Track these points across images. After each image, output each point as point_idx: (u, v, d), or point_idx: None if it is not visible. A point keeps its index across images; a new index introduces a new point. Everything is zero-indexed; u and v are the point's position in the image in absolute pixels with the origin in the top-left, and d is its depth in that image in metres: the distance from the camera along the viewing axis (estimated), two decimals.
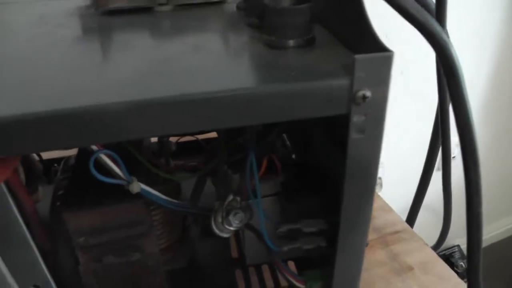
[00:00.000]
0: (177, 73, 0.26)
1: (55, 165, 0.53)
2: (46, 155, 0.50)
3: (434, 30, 0.25)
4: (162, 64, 0.27)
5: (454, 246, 1.74)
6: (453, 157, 1.59)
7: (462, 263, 1.72)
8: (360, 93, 0.23)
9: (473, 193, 0.33)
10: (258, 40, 0.30)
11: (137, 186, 0.33)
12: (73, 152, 0.46)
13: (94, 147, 0.31)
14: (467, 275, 0.39)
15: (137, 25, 0.37)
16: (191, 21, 0.37)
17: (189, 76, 0.25)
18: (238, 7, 0.39)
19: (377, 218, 0.62)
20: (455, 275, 0.56)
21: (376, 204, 0.64)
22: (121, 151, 0.33)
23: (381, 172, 1.32)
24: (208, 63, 0.27)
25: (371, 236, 0.59)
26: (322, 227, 0.32)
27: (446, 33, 0.48)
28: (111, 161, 0.32)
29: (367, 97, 0.24)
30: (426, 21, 0.25)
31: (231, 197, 0.33)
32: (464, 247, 1.77)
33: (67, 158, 0.50)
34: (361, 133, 0.25)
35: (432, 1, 0.44)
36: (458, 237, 1.78)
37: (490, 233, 1.88)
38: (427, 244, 0.60)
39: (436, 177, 1.59)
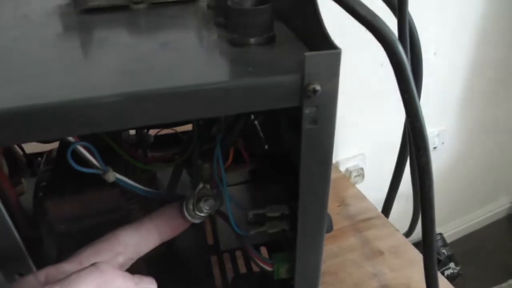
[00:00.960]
0: (148, 69, 0.28)
1: (39, 158, 0.55)
2: (29, 149, 0.52)
3: (381, 28, 0.28)
4: (136, 61, 0.29)
5: (437, 234, 1.78)
6: (434, 147, 1.62)
7: (444, 250, 1.76)
8: (311, 87, 0.26)
9: (425, 178, 0.36)
10: (223, 39, 0.32)
11: (113, 176, 0.35)
12: (55, 146, 0.48)
13: (71, 139, 0.33)
14: (423, 253, 0.42)
15: (114, 23, 0.39)
16: (164, 20, 0.39)
17: (158, 73, 0.27)
18: (208, 6, 0.41)
19: (351, 206, 0.64)
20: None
21: (350, 193, 0.67)
22: (101, 143, 0.36)
23: (363, 163, 1.35)
24: (176, 60, 0.29)
25: (344, 223, 0.62)
26: (285, 212, 0.35)
27: (410, 22, 0.50)
28: (87, 152, 0.34)
29: (317, 90, 0.26)
30: (374, 19, 0.28)
31: (201, 185, 0.36)
32: (446, 235, 1.82)
33: (49, 152, 0.52)
34: (314, 124, 0.27)
35: None
36: (439, 225, 1.82)
37: (470, 221, 1.93)
38: (398, 230, 0.63)
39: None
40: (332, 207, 0.62)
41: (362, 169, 1.38)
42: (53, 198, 0.37)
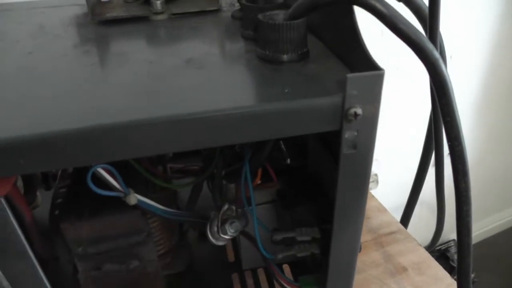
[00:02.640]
0: (172, 91, 0.26)
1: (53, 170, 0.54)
2: None
3: (425, 46, 0.26)
4: (158, 82, 0.28)
5: (450, 241, 1.76)
6: (448, 154, 1.60)
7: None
8: (352, 110, 0.24)
9: (463, 203, 0.34)
10: (253, 54, 0.30)
11: (134, 198, 0.33)
12: None
13: None
14: (457, 280, 0.40)
15: (133, 37, 0.37)
16: (186, 32, 0.38)
17: (183, 95, 0.26)
18: (233, 16, 0.40)
19: (372, 219, 0.63)
20: (448, 275, 0.57)
21: (371, 205, 0.65)
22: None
23: (377, 169, 1.33)
24: (202, 80, 0.28)
25: (366, 237, 0.60)
26: (316, 236, 0.33)
27: (440, 38, 0.48)
28: (108, 174, 0.32)
29: (359, 114, 0.24)
30: (417, 37, 0.26)
31: (226, 206, 0.34)
32: None
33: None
34: (353, 149, 0.26)
35: (425, 6, 0.44)
36: (454, 231, 1.79)
37: (485, 227, 1.90)
38: (420, 245, 0.61)
39: (432, 172, 1.60)
40: None
41: (376, 175, 1.36)
42: (70, 219, 0.35)
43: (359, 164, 0.26)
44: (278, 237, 0.34)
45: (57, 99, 0.26)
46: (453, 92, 0.28)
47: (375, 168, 1.33)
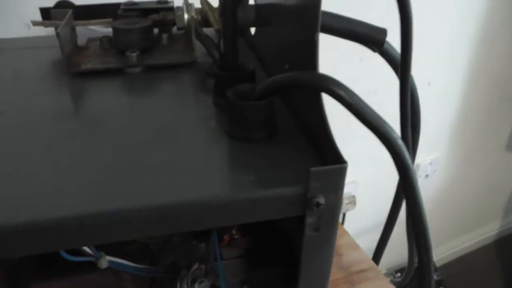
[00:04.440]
0: (137, 177, 0.27)
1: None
2: None
3: (389, 135, 0.27)
4: (125, 161, 0.28)
5: None
6: (426, 175, 1.62)
7: (434, 275, 1.75)
8: (314, 200, 0.25)
9: (426, 273, 0.35)
10: (222, 128, 0.31)
11: (105, 262, 0.33)
12: None
13: None
14: None
15: (107, 95, 0.38)
16: (158, 91, 0.38)
17: (150, 178, 0.26)
18: (207, 74, 0.40)
19: (344, 256, 0.64)
20: None
21: (344, 241, 0.66)
22: None
23: (354, 190, 1.35)
24: (170, 161, 0.28)
25: (337, 275, 0.61)
26: None
27: (413, 83, 0.50)
28: None
29: (321, 204, 0.25)
30: (381, 126, 0.27)
31: (196, 265, 0.35)
32: (435, 259, 1.82)
33: None
34: (315, 231, 0.27)
35: (397, 52, 0.46)
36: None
37: (462, 244, 1.93)
38: (392, 283, 0.62)
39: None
40: None
41: (353, 196, 1.38)
42: (39, 282, 0.35)
43: (322, 245, 0.27)
44: None
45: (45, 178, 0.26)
46: (415, 175, 0.29)
47: (352, 189, 1.35)
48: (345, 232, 0.68)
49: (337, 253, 0.64)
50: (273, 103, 0.29)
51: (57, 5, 0.48)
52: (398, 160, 0.27)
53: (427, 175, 1.50)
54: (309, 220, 0.26)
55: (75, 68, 0.41)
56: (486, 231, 1.98)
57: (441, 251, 1.88)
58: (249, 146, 0.29)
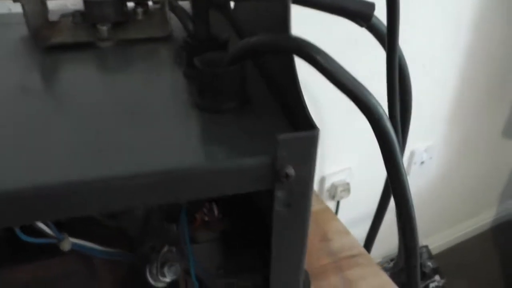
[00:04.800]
0: (108, 145, 0.25)
1: None
2: None
3: (370, 103, 0.25)
4: (95, 136, 0.26)
5: (422, 247, 1.78)
6: (422, 162, 1.61)
7: (429, 263, 1.76)
8: (283, 171, 0.23)
9: (411, 257, 0.33)
10: (192, 100, 0.29)
11: (68, 243, 0.32)
12: None
13: None
14: None
15: (77, 70, 0.35)
16: (130, 66, 0.36)
17: (118, 153, 0.24)
18: (182, 47, 0.38)
19: (334, 241, 0.62)
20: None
21: (333, 227, 0.64)
22: None
23: (349, 177, 1.33)
24: (139, 134, 0.26)
25: (326, 260, 0.59)
26: (257, 283, 0.32)
27: (401, 55, 0.48)
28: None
29: (290, 175, 0.23)
30: (360, 92, 0.25)
31: (166, 248, 0.33)
32: (432, 247, 1.81)
33: None
34: (286, 207, 0.25)
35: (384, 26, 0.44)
36: (425, 238, 1.82)
37: (455, 233, 1.92)
38: (382, 269, 0.61)
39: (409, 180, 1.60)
40: (313, 242, 0.60)
41: (348, 183, 1.36)
42: (6, 264, 0.33)
43: (294, 222, 0.25)
44: (220, 281, 0.32)
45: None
46: (397, 146, 0.27)
47: (347, 176, 1.34)
48: (335, 217, 0.66)
49: (325, 239, 0.62)
50: (244, 70, 0.27)
51: None
52: (378, 128, 0.25)
53: (422, 162, 1.49)
54: (279, 194, 0.24)
55: (43, 42, 0.39)
56: (483, 219, 1.98)
57: (438, 239, 1.87)
58: (219, 117, 0.27)
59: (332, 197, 1.34)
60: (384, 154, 0.27)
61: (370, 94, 0.25)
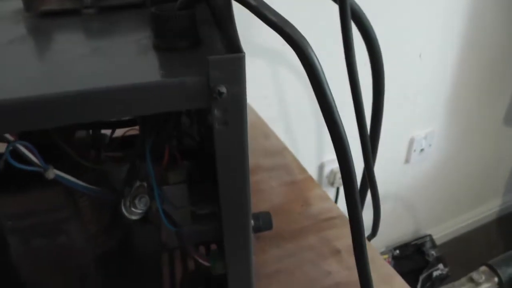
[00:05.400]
0: (72, 73, 0.29)
1: None
2: None
3: (293, 34, 0.29)
4: (65, 65, 0.31)
5: (426, 236, 1.79)
6: (422, 149, 1.62)
7: (433, 252, 1.77)
8: (216, 89, 0.27)
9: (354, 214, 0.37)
10: (152, 42, 0.34)
11: (52, 173, 0.36)
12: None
13: (10, 138, 0.35)
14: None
15: (62, 29, 0.41)
16: (108, 25, 0.41)
17: (80, 76, 0.29)
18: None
19: (314, 206, 0.66)
20: (381, 257, 0.60)
21: (314, 193, 0.68)
22: (50, 143, 0.38)
23: None
24: (99, 65, 0.31)
25: (305, 222, 0.63)
26: (213, 209, 0.36)
27: (374, 36, 0.51)
28: (27, 150, 0.36)
29: (223, 92, 0.27)
30: (285, 25, 0.29)
31: (138, 183, 0.37)
32: (435, 237, 1.82)
33: None
34: (225, 125, 0.29)
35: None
36: (429, 227, 1.83)
37: (460, 223, 1.93)
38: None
39: (406, 169, 1.63)
40: (295, 207, 0.64)
41: None
42: None
43: (233, 140, 0.29)
44: (179, 210, 0.37)
45: None
46: (323, 75, 0.31)
47: None
48: (316, 185, 0.70)
49: (306, 203, 0.66)
50: (193, 14, 0.31)
51: None
52: (303, 58, 0.29)
53: (422, 149, 1.51)
54: (216, 112, 0.28)
55: (34, 10, 0.44)
56: (488, 209, 1.98)
57: (441, 229, 1.88)
58: (171, 54, 0.31)
59: (331, 183, 1.37)
60: (313, 85, 0.31)
61: (295, 29, 0.29)
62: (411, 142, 1.47)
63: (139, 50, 0.33)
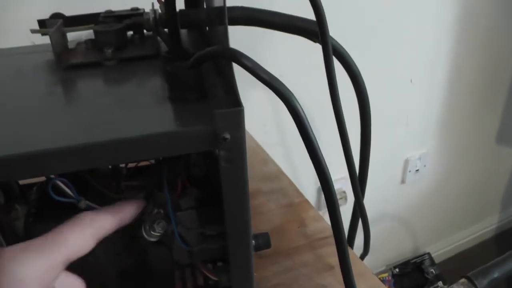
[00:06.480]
0: (103, 123, 0.37)
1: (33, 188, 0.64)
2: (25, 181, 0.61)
3: (280, 87, 0.36)
4: (96, 116, 0.38)
5: (425, 254, 1.84)
6: (417, 170, 1.69)
7: (432, 269, 1.81)
8: (221, 135, 0.34)
9: (337, 231, 0.44)
10: (166, 94, 0.41)
11: (84, 204, 0.43)
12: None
13: (52, 176, 0.42)
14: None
15: (87, 80, 0.48)
16: (127, 76, 0.48)
17: (109, 126, 0.36)
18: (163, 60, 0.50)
19: (309, 226, 0.72)
20: (370, 271, 0.66)
21: (309, 214, 0.75)
22: (80, 178, 0.45)
23: (345, 186, 1.42)
24: (125, 116, 0.38)
25: (301, 241, 0.69)
26: (221, 230, 0.43)
27: (351, 61, 0.58)
28: (64, 185, 0.43)
29: (227, 138, 0.34)
30: (272, 79, 0.36)
31: (155, 210, 0.44)
32: (434, 255, 1.87)
33: (40, 184, 0.61)
34: (229, 163, 0.36)
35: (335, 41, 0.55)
36: (428, 245, 1.88)
37: (458, 240, 1.98)
38: (350, 247, 0.71)
39: (402, 189, 1.69)
40: (291, 228, 0.70)
41: (344, 192, 1.45)
42: (40, 223, 0.45)
43: (236, 174, 0.37)
44: (193, 232, 0.44)
45: (34, 128, 0.37)
46: (307, 122, 0.38)
47: (343, 185, 1.43)
48: (312, 207, 0.76)
49: (302, 224, 0.72)
50: (201, 72, 0.39)
51: (51, 17, 0.59)
52: (289, 108, 0.37)
53: (417, 170, 1.58)
54: (222, 153, 0.35)
55: (63, 63, 0.52)
56: (485, 226, 2.03)
57: (440, 247, 1.93)
58: (184, 105, 0.39)
59: None
60: (299, 130, 0.38)
61: (281, 83, 0.37)
62: (406, 163, 1.54)
63: (157, 101, 0.41)
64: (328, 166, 0.42)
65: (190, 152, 0.35)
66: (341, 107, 0.58)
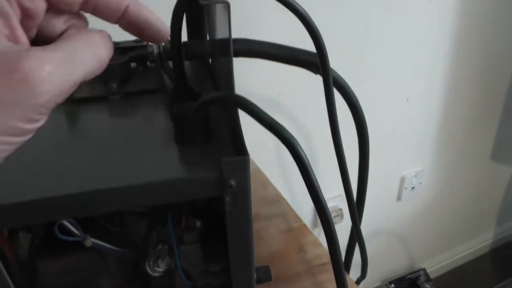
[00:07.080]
0: (107, 167, 0.38)
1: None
2: None
3: (283, 132, 0.37)
4: (102, 158, 0.39)
5: (420, 270, 1.85)
6: (412, 187, 1.70)
7: (427, 285, 1.82)
8: (227, 182, 0.35)
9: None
10: (172, 135, 0.42)
11: (90, 241, 0.44)
12: None
13: None
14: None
15: (92, 115, 0.49)
16: (131, 111, 0.49)
17: (113, 171, 0.37)
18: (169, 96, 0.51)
19: (308, 252, 0.73)
20: None
21: (308, 240, 0.76)
22: None
23: (342, 203, 1.43)
24: (131, 157, 0.39)
25: (300, 267, 0.70)
26: (224, 266, 0.44)
27: (349, 90, 0.60)
28: (70, 224, 0.44)
29: (232, 185, 0.35)
30: (278, 127, 0.37)
31: (160, 246, 0.45)
32: (430, 270, 1.88)
33: None
34: (234, 206, 0.37)
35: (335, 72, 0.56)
36: (423, 261, 1.89)
37: (453, 256, 1.99)
38: (347, 273, 0.71)
39: (398, 206, 1.70)
40: (291, 254, 0.71)
41: (341, 209, 1.46)
42: (44, 257, 0.46)
43: (240, 216, 0.38)
44: (197, 268, 0.44)
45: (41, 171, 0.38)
46: (309, 165, 0.39)
47: (339, 202, 1.44)
48: (310, 232, 0.77)
49: (301, 250, 0.73)
50: (207, 116, 0.40)
51: None
52: (294, 154, 0.38)
53: (413, 187, 1.59)
54: (228, 198, 0.36)
55: (69, 97, 0.52)
56: (480, 242, 2.04)
57: (435, 263, 1.94)
58: (189, 148, 0.40)
59: None
60: (302, 175, 0.40)
61: (284, 128, 0.38)
62: (402, 180, 1.56)
63: (163, 143, 0.42)
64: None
65: (196, 198, 0.36)
66: (340, 138, 0.59)
